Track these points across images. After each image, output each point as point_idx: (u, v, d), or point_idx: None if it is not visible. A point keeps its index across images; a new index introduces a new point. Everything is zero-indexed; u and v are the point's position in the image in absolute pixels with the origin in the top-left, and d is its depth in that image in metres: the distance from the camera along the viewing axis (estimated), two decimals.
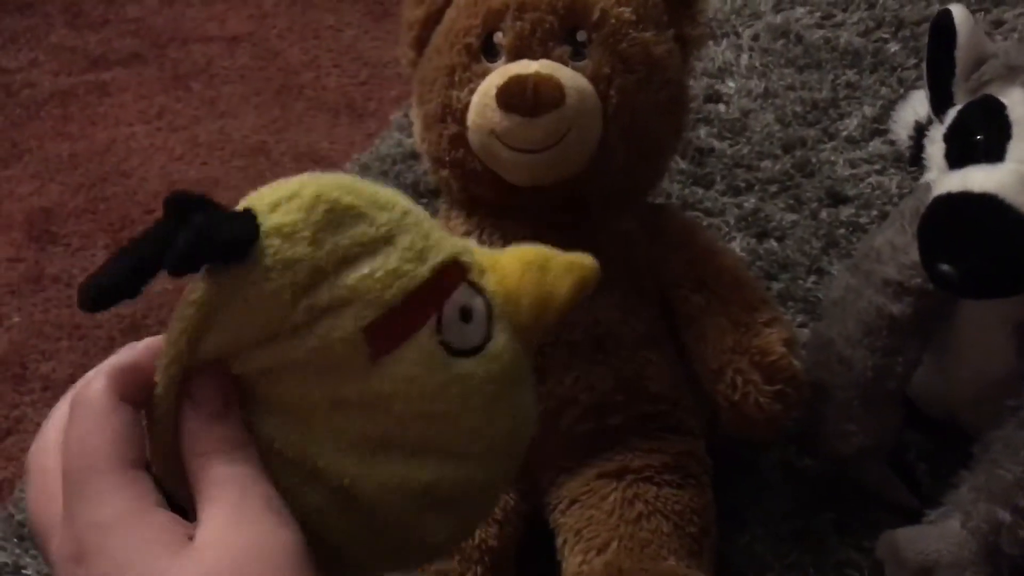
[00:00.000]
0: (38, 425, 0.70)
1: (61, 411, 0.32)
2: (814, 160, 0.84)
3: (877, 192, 0.80)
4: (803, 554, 0.58)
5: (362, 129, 0.99)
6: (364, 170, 0.87)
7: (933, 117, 0.54)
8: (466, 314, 0.31)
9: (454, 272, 0.32)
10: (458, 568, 0.54)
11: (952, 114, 0.51)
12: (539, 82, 0.51)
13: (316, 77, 1.07)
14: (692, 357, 0.57)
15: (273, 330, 0.29)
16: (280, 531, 0.29)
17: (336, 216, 0.30)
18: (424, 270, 0.31)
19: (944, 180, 0.49)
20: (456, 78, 0.55)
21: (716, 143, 0.86)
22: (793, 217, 0.79)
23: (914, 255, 0.52)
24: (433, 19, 0.58)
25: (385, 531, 0.32)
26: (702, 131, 0.87)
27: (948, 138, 0.50)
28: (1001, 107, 0.48)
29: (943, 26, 0.50)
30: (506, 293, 0.32)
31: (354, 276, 0.30)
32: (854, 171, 0.82)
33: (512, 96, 0.52)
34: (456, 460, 0.32)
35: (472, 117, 0.54)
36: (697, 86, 0.90)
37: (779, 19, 0.99)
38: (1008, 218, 0.45)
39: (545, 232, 0.57)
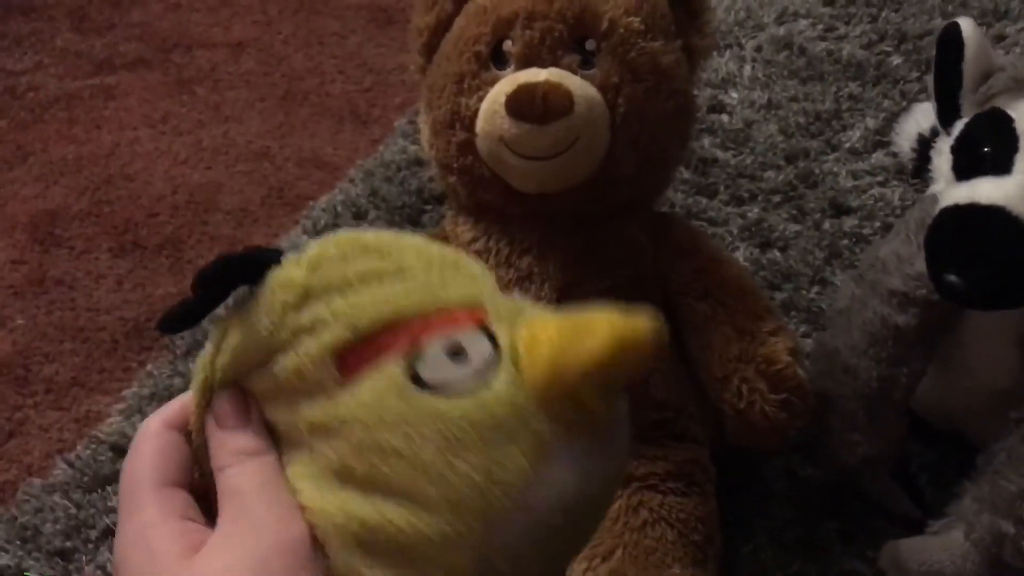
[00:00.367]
0: (40, 427, 0.71)
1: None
2: (817, 171, 0.84)
3: (880, 204, 0.80)
4: (806, 563, 0.58)
5: (366, 135, 0.99)
6: (368, 176, 0.87)
7: (940, 129, 0.54)
8: (457, 353, 0.29)
9: (456, 312, 0.30)
10: None
11: (959, 126, 0.51)
12: (548, 90, 0.52)
13: (320, 83, 1.07)
14: (697, 365, 0.57)
15: (268, 350, 0.30)
16: (280, 531, 0.29)
17: (350, 250, 0.31)
18: (409, 303, 0.30)
19: (951, 192, 0.49)
20: (465, 85, 0.56)
21: (720, 153, 0.86)
22: (796, 228, 0.79)
23: (919, 266, 0.52)
24: (443, 26, 0.59)
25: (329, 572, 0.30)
26: (706, 141, 0.87)
27: (955, 150, 0.50)
28: (1009, 120, 0.48)
29: (951, 39, 0.51)
30: (527, 345, 0.29)
31: (339, 301, 0.30)
32: (857, 182, 0.83)
33: (522, 104, 0.52)
34: (408, 505, 0.28)
35: (481, 124, 0.54)
36: (700, 96, 0.90)
37: (782, 31, 1.00)
38: (1015, 230, 0.46)
39: (551, 240, 0.58)
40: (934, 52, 0.53)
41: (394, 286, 0.31)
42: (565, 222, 0.57)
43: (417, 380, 0.29)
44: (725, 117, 0.90)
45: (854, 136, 0.87)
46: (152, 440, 0.32)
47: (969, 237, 0.47)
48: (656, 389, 0.57)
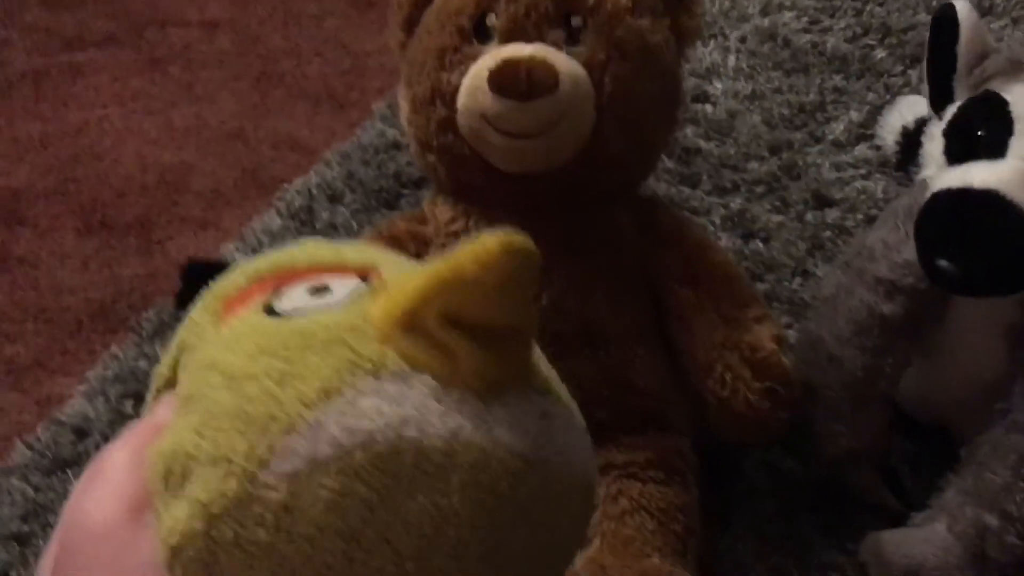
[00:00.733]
0: (1, 408, 0.69)
1: None
2: (800, 163, 0.83)
3: (863, 196, 0.80)
4: (787, 556, 0.57)
5: (343, 119, 0.97)
6: (345, 159, 0.85)
7: (929, 116, 0.54)
8: (320, 290, 0.29)
9: (339, 269, 0.31)
10: None
11: (952, 110, 0.50)
12: (533, 66, 0.51)
13: (297, 65, 1.05)
14: (681, 352, 0.56)
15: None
16: None
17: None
18: (291, 258, 0.31)
19: (943, 176, 0.48)
20: (447, 60, 0.54)
21: (703, 143, 0.86)
22: (779, 219, 0.78)
23: (907, 253, 0.51)
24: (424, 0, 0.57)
25: None
26: (689, 131, 0.86)
27: (948, 134, 0.50)
28: (1004, 103, 0.47)
29: (946, 20, 0.50)
30: (381, 283, 0.29)
31: (243, 267, 0.32)
32: (840, 175, 0.82)
33: (505, 79, 0.51)
34: (199, 421, 0.27)
35: (462, 100, 0.53)
36: (684, 86, 0.89)
37: (767, 22, 0.99)
38: (1009, 215, 0.45)
39: (533, 222, 0.57)
40: (924, 40, 0.52)
41: (294, 255, 0.32)
42: (548, 205, 0.55)
43: (271, 312, 0.29)
44: (709, 107, 0.90)
45: (838, 128, 0.87)
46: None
47: (962, 222, 0.46)
48: (637, 376, 0.55)
